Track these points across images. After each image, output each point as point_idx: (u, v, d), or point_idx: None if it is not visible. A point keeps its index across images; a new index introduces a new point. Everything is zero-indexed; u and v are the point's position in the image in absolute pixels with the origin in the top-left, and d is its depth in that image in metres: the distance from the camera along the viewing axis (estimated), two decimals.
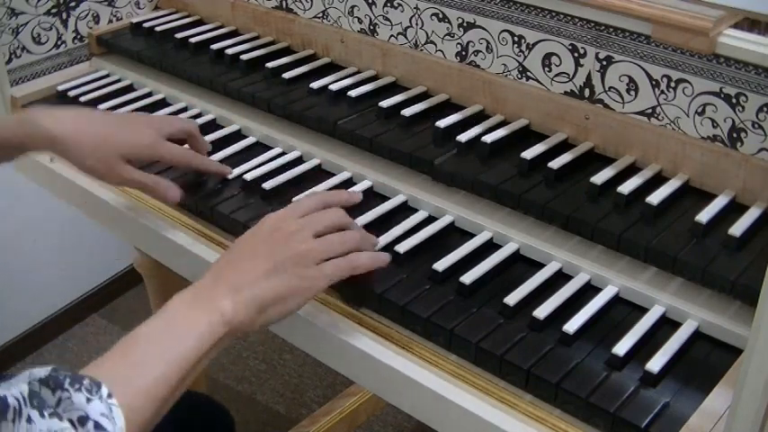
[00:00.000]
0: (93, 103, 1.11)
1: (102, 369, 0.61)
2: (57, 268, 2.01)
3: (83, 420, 0.56)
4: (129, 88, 1.17)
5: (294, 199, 0.88)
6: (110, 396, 0.58)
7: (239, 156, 0.99)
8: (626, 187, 0.82)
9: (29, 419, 0.53)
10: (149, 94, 1.15)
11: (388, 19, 1.04)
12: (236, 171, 0.95)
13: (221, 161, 0.97)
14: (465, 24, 0.97)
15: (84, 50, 1.23)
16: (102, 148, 0.88)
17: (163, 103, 1.13)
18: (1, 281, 1.88)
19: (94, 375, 0.59)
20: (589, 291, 0.77)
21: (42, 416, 0.54)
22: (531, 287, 0.76)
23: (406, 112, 0.97)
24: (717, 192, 0.82)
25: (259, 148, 1.01)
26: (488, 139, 0.90)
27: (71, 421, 0.56)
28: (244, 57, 1.11)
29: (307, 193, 0.90)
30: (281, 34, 1.17)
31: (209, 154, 0.98)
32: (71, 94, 1.14)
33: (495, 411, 0.68)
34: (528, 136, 0.94)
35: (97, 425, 0.56)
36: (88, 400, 0.57)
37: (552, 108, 0.93)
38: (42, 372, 0.58)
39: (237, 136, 1.04)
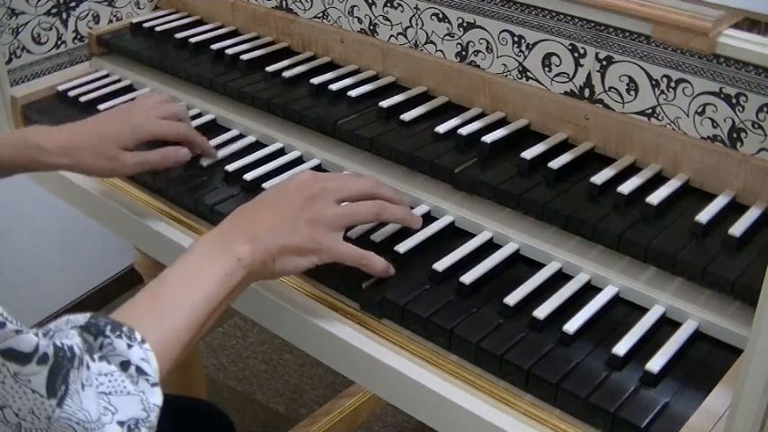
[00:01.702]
0: (94, 103, 1.11)
1: (132, 315, 0.65)
2: (57, 268, 2.01)
3: (125, 365, 0.59)
4: (129, 88, 1.17)
5: None
6: (143, 341, 0.61)
7: (239, 155, 0.99)
8: (626, 187, 0.82)
9: (87, 366, 0.56)
10: None
11: (388, 19, 1.04)
12: (237, 171, 0.95)
13: (221, 161, 0.97)
14: (465, 24, 0.97)
15: (84, 50, 1.23)
16: (99, 146, 0.90)
17: None
18: (1, 281, 1.88)
19: (125, 320, 0.62)
20: (589, 291, 0.77)
21: (93, 359, 0.58)
22: (531, 287, 0.76)
23: (406, 112, 0.97)
24: (717, 192, 0.82)
25: (259, 147, 1.01)
26: (488, 138, 0.90)
27: (116, 365, 0.59)
28: (244, 57, 1.11)
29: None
30: (281, 34, 1.17)
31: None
32: (71, 94, 1.14)
33: (495, 411, 0.68)
34: (528, 136, 0.94)
35: (139, 369, 0.60)
36: (129, 346, 0.60)
37: (552, 108, 0.93)
38: (81, 318, 0.61)
39: (237, 136, 1.04)
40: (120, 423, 0.57)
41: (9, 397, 0.51)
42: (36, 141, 0.90)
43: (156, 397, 0.60)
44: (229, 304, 0.72)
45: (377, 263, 0.77)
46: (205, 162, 0.98)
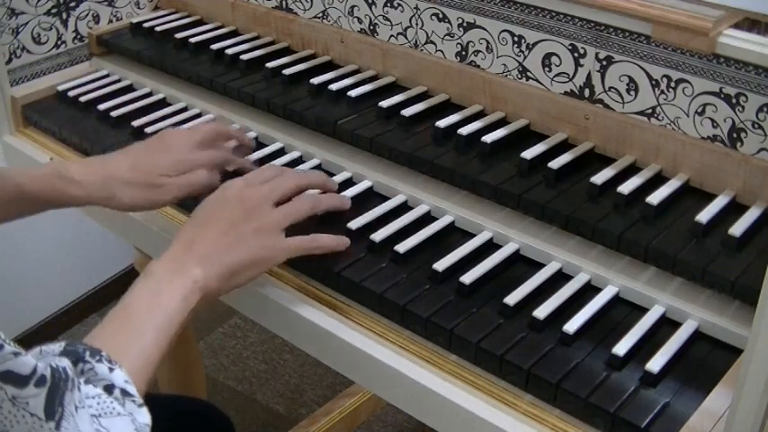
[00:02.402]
0: (94, 103, 1.11)
1: (101, 341, 0.64)
2: (57, 268, 2.01)
3: (109, 388, 0.59)
4: (129, 88, 1.17)
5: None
6: (120, 366, 0.61)
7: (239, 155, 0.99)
8: (626, 187, 0.82)
9: (78, 388, 0.56)
10: (149, 94, 1.15)
11: (388, 19, 1.04)
12: (237, 171, 0.95)
13: None
14: (465, 24, 0.97)
15: (84, 50, 1.23)
16: (142, 186, 0.85)
17: (163, 103, 1.13)
18: (1, 281, 1.88)
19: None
20: (589, 291, 0.77)
21: (80, 382, 0.57)
22: (531, 287, 0.76)
23: (406, 112, 0.97)
24: (717, 192, 0.82)
25: (259, 147, 1.01)
26: (488, 138, 0.90)
27: (101, 389, 0.59)
28: (244, 57, 1.11)
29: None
30: (281, 34, 1.17)
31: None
32: (71, 94, 1.14)
33: (495, 411, 0.68)
34: (528, 136, 0.94)
35: (124, 391, 0.60)
36: (110, 369, 0.60)
37: (552, 108, 0.93)
38: (57, 347, 0.60)
39: None
40: None
41: (7, 421, 0.50)
42: (67, 173, 0.85)
43: (145, 417, 0.60)
44: (185, 326, 0.72)
45: (326, 241, 0.80)
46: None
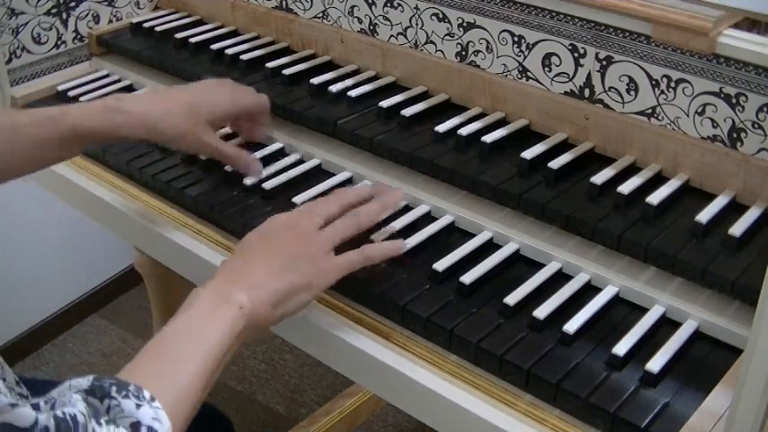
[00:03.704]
0: None
1: (139, 372, 0.62)
2: (57, 268, 2.01)
3: (136, 426, 0.56)
4: (129, 88, 1.17)
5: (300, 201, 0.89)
6: (152, 399, 0.58)
7: None
8: (626, 187, 0.82)
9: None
10: None
11: (388, 19, 1.04)
12: (237, 172, 0.95)
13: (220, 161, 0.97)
14: (465, 24, 0.97)
15: (84, 50, 1.23)
16: (190, 121, 0.89)
17: None
18: (1, 280, 1.88)
19: (132, 379, 0.59)
20: (589, 291, 0.77)
21: (99, 424, 0.55)
22: (531, 287, 0.76)
23: (406, 112, 0.97)
24: (717, 192, 0.82)
25: (259, 147, 1.01)
26: (488, 138, 0.90)
27: (125, 428, 0.56)
28: (244, 57, 1.11)
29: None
30: (281, 34, 1.17)
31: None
32: (71, 94, 1.14)
33: (495, 411, 0.68)
34: (528, 136, 0.94)
35: (150, 429, 0.57)
36: (137, 406, 0.57)
37: (552, 108, 0.93)
38: (85, 382, 0.58)
39: (237, 136, 1.04)
40: None
41: None
42: (116, 104, 0.88)
43: None
44: (235, 352, 0.70)
45: (378, 252, 0.78)
46: (249, 181, 0.94)
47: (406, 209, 0.89)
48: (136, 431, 0.56)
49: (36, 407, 0.54)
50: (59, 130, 0.85)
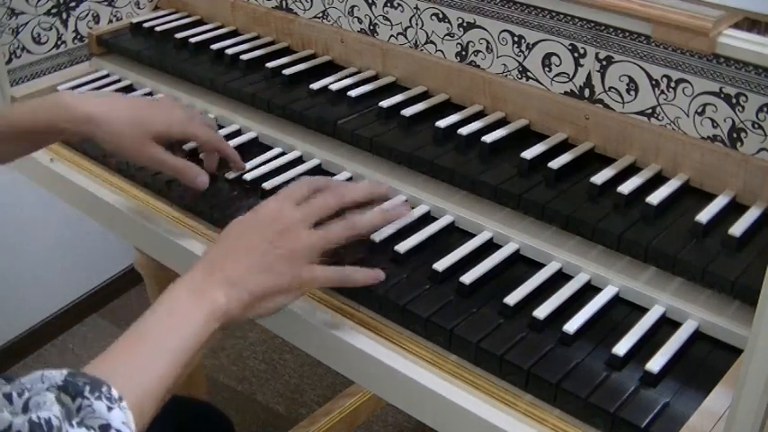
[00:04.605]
0: None
1: (108, 367, 0.61)
2: (57, 268, 2.01)
3: (105, 429, 0.56)
4: (129, 88, 1.17)
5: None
6: (120, 399, 0.58)
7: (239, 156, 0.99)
8: (626, 187, 0.82)
9: None
10: (149, 95, 1.15)
11: (388, 19, 1.04)
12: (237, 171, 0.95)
13: (220, 162, 0.97)
14: (465, 24, 0.97)
15: (84, 50, 1.23)
16: (135, 128, 0.87)
17: None
18: (1, 281, 1.88)
19: (101, 374, 0.59)
20: (589, 291, 0.77)
21: (71, 425, 0.55)
22: (531, 287, 0.76)
23: (407, 111, 0.97)
24: (717, 192, 0.82)
25: (259, 147, 1.01)
26: (488, 138, 0.90)
27: (94, 429, 0.56)
28: (244, 57, 1.11)
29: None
30: (281, 34, 1.17)
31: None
32: None
33: (495, 411, 0.68)
34: (528, 136, 0.94)
35: None
36: (109, 408, 0.57)
37: (552, 108, 0.93)
38: (59, 376, 0.57)
39: (237, 136, 1.04)
40: None
41: None
42: (67, 101, 0.87)
43: None
44: (202, 352, 0.69)
45: (359, 277, 0.76)
46: (232, 174, 0.94)
47: None
48: None
49: (8, 397, 0.54)
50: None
